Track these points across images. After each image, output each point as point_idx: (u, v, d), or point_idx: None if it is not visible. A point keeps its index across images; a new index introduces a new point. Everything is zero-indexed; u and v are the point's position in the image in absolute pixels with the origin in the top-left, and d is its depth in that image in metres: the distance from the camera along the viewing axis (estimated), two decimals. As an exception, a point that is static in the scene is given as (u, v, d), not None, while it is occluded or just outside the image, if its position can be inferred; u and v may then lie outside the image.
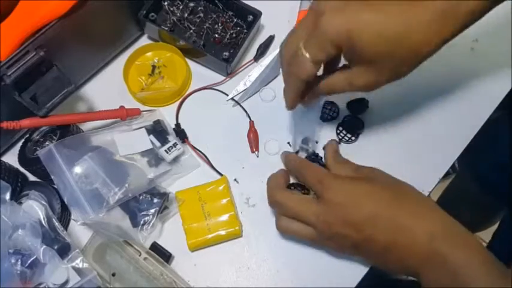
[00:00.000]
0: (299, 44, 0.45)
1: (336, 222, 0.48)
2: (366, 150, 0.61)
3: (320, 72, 0.49)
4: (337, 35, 0.42)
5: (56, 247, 0.50)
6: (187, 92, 0.64)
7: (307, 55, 0.44)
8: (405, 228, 0.46)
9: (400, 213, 0.47)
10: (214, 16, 0.65)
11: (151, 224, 0.55)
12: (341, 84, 0.48)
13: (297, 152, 0.61)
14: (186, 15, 0.65)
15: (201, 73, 0.66)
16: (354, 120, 0.62)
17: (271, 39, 0.67)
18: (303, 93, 0.50)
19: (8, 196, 0.50)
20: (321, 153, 0.61)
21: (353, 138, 0.61)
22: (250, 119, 0.63)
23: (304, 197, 0.52)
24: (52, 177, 0.53)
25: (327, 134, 0.62)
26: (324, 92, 0.51)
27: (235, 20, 0.65)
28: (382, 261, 0.49)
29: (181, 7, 0.65)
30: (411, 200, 0.49)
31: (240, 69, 0.66)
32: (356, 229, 0.47)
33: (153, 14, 0.64)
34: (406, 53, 0.43)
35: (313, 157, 0.60)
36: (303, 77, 0.46)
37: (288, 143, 0.62)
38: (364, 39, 0.42)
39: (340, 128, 0.62)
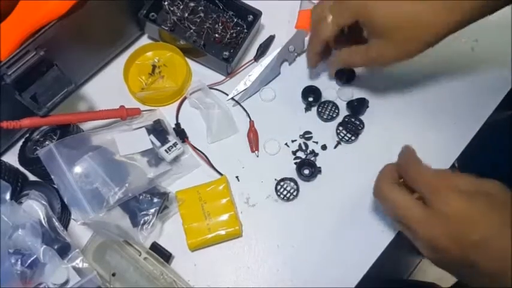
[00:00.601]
0: (325, 9, 0.54)
1: (441, 237, 0.43)
2: (366, 150, 0.61)
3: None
4: (356, 6, 0.51)
5: (56, 247, 0.50)
6: (187, 92, 0.64)
7: (330, 18, 0.53)
8: None
9: None
10: (215, 16, 0.65)
11: (151, 223, 0.55)
12: (357, 55, 0.55)
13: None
14: (186, 15, 0.65)
15: (201, 73, 0.66)
16: (354, 120, 0.62)
17: (271, 39, 0.67)
18: (321, 54, 0.59)
19: (8, 196, 0.50)
20: (321, 153, 0.61)
21: (353, 138, 0.61)
22: (250, 118, 0.63)
23: (412, 200, 0.46)
24: (52, 177, 0.53)
25: (327, 134, 0.62)
26: (342, 60, 0.58)
27: (235, 20, 0.65)
28: (475, 282, 0.45)
29: (181, 7, 0.65)
30: None
31: (240, 69, 0.66)
32: (463, 251, 0.43)
33: (153, 13, 0.64)
34: (414, 30, 0.49)
35: (309, 154, 0.60)
36: (323, 37, 0.55)
37: (286, 144, 0.62)
38: (378, 13, 0.49)
39: (340, 128, 0.62)
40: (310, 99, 0.63)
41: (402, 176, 0.49)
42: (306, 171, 0.60)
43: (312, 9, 0.57)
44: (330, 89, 0.64)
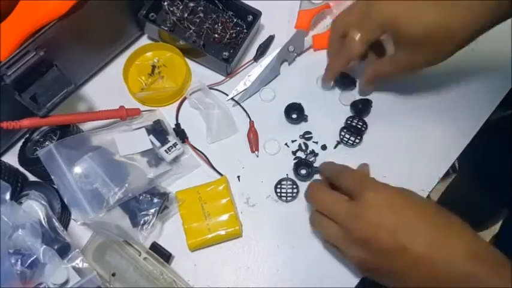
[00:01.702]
0: (349, 26, 0.54)
1: (368, 226, 0.45)
2: (368, 150, 0.61)
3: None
4: (385, 19, 0.51)
5: (56, 247, 0.50)
6: (187, 92, 0.64)
7: (358, 36, 0.53)
8: (442, 244, 0.43)
9: (437, 228, 0.44)
10: (214, 16, 0.65)
11: (151, 224, 0.55)
12: (388, 66, 0.56)
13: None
14: (186, 15, 0.65)
15: (201, 73, 0.66)
16: (357, 122, 0.62)
17: (271, 39, 0.67)
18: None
19: (8, 196, 0.50)
20: (321, 153, 0.61)
21: (357, 141, 0.61)
22: (250, 119, 0.63)
23: (341, 196, 0.49)
24: (52, 177, 0.53)
25: (327, 134, 0.62)
26: (376, 73, 0.58)
27: (235, 20, 0.65)
28: (405, 278, 0.44)
29: (181, 7, 0.65)
30: (445, 217, 0.45)
31: (240, 69, 0.66)
32: (390, 234, 0.43)
33: (153, 14, 0.64)
34: (444, 37, 0.49)
35: (309, 155, 0.60)
36: (352, 56, 0.55)
37: (286, 144, 0.62)
38: (407, 23, 0.49)
39: (343, 133, 0.61)
40: (294, 116, 0.62)
41: (334, 182, 0.51)
42: (303, 171, 0.60)
43: (330, 26, 0.58)
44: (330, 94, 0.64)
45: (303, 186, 0.59)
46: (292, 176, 0.60)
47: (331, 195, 0.49)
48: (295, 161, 0.60)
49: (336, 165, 0.53)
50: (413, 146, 0.61)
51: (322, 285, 0.55)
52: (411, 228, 0.44)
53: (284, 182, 0.59)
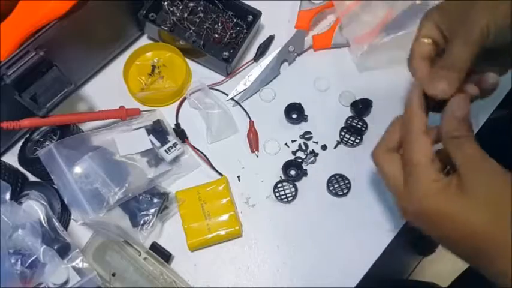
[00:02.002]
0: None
1: (410, 214, 0.42)
2: (368, 150, 0.61)
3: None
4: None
5: (56, 247, 0.50)
6: (187, 92, 0.64)
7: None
8: None
9: None
10: (214, 16, 0.65)
11: (151, 224, 0.55)
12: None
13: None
14: (186, 15, 0.65)
15: (200, 73, 0.66)
16: (357, 123, 0.62)
17: (271, 39, 0.67)
18: None
19: (8, 196, 0.50)
20: (321, 153, 0.61)
21: (357, 141, 0.61)
22: (250, 119, 0.63)
23: (397, 172, 0.43)
24: (52, 177, 0.53)
25: (327, 134, 0.62)
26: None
27: (235, 20, 0.65)
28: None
29: (181, 7, 0.65)
30: None
31: (240, 69, 0.66)
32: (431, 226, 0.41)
33: (153, 14, 0.64)
34: None
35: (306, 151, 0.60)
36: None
37: (286, 144, 0.62)
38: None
39: (343, 133, 0.61)
40: (294, 116, 0.62)
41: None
42: (292, 172, 0.60)
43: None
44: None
45: (302, 186, 0.59)
46: (283, 177, 0.60)
47: (391, 169, 0.44)
48: (284, 162, 0.60)
49: (411, 134, 0.43)
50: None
51: (322, 285, 0.55)
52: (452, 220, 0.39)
53: (280, 184, 0.59)
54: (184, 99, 0.64)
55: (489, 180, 0.39)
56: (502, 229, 0.37)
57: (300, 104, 0.62)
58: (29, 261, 0.49)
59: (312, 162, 0.60)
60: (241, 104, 0.64)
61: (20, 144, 0.60)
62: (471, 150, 0.40)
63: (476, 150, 0.40)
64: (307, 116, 0.62)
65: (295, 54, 0.66)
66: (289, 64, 0.66)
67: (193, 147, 0.61)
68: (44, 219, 0.51)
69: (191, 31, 0.64)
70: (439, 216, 0.39)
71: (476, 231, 0.37)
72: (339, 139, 0.62)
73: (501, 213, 0.37)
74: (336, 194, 0.59)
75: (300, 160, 0.60)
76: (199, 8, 0.65)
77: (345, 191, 0.58)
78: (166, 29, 0.64)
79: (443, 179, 0.40)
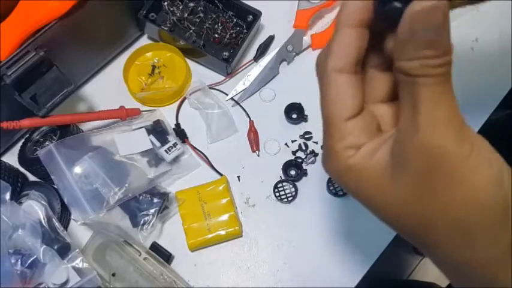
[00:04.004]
0: None
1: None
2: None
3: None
4: None
5: (56, 247, 0.50)
6: (187, 92, 0.64)
7: None
8: None
9: None
10: (214, 16, 0.65)
11: (151, 224, 0.55)
12: None
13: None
14: (186, 15, 0.65)
15: (201, 73, 0.66)
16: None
17: (271, 39, 0.67)
18: None
19: (8, 196, 0.50)
20: (321, 153, 0.61)
21: None
22: (250, 118, 0.63)
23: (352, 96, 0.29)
24: (52, 177, 0.53)
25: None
26: None
27: (235, 20, 0.65)
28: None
29: (181, 7, 0.65)
30: None
31: (240, 69, 0.66)
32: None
33: (153, 14, 0.64)
34: None
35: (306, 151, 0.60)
36: None
37: (286, 144, 0.62)
38: None
39: None
40: (294, 116, 0.62)
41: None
42: (292, 172, 0.60)
43: None
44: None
45: (302, 186, 0.59)
46: (283, 177, 0.60)
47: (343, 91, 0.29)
48: (284, 162, 0.60)
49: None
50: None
51: (322, 285, 0.55)
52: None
53: (280, 184, 0.59)
54: (184, 99, 0.64)
55: (440, 170, 0.25)
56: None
57: (300, 104, 0.62)
58: (29, 261, 0.49)
59: (312, 162, 0.60)
60: (241, 104, 0.64)
61: (20, 144, 0.60)
62: (429, 103, 0.24)
63: (438, 106, 0.24)
64: (307, 116, 0.62)
65: (294, 53, 0.66)
66: (288, 64, 0.66)
67: (193, 147, 0.61)
68: (44, 219, 0.51)
69: (191, 31, 0.64)
70: (360, 198, 0.29)
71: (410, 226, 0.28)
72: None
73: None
74: (336, 194, 0.59)
75: (300, 160, 0.60)
76: (199, 8, 0.65)
77: (345, 191, 0.58)
78: (166, 29, 0.64)
79: (361, 149, 0.28)
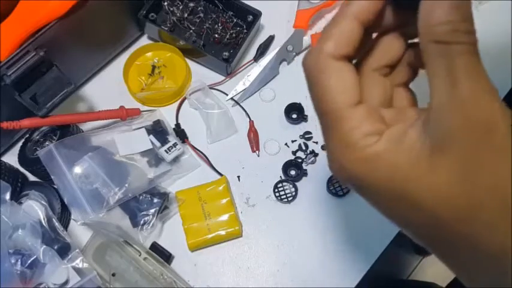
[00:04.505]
0: None
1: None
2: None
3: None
4: None
5: (56, 247, 0.50)
6: (187, 92, 0.64)
7: None
8: None
9: None
10: (214, 16, 0.65)
11: (151, 224, 0.55)
12: None
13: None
14: (186, 15, 0.65)
15: (200, 73, 0.66)
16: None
17: (271, 39, 0.67)
18: None
19: (8, 196, 0.50)
20: (321, 153, 0.61)
21: None
22: (250, 118, 0.63)
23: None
24: (52, 177, 0.53)
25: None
26: None
27: (235, 20, 0.65)
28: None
29: (181, 7, 0.65)
30: None
31: (240, 69, 0.66)
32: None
33: (153, 14, 0.64)
34: None
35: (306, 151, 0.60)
36: None
37: (286, 144, 0.62)
38: None
39: None
40: (294, 116, 0.62)
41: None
42: (292, 172, 0.60)
43: None
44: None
45: (302, 186, 0.59)
46: (283, 177, 0.60)
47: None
48: (284, 162, 0.60)
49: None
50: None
51: (322, 285, 0.55)
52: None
53: (280, 184, 0.59)
54: (184, 99, 0.64)
55: (493, 141, 0.23)
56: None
57: (300, 104, 0.62)
58: (29, 261, 0.49)
59: (312, 162, 0.60)
60: (241, 104, 0.64)
61: (20, 144, 0.60)
62: (471, 71, 0.23)
63: (479, 74, 0.23)
64: (307, 116, 0.62)
65: (294, 53, 0.66)
66: (288, 63, 0.66)
67: (193, 147, 0.61)
68: (44, 219, 0.51)
69: (191, 31, 0.64)
70: (378, 198, 0.26)
71: (447, 222, 0.24)
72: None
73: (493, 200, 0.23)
74: (336, 194, 0.59)
75: (300, 160, 0.60)
76: (199, 8, 0.65)
77: (345, 191, 0.58)
78: (166, 29, 0.64)
79: (385, 134, 0.25)
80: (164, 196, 0.56)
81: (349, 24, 0.26)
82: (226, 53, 0.63)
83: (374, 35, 0.29)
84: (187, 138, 0.62)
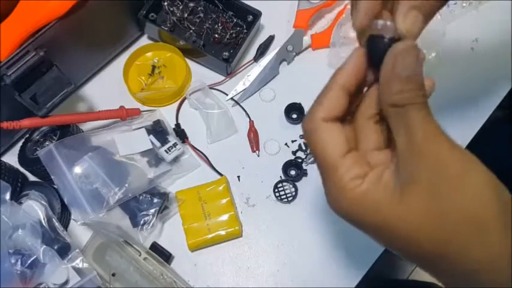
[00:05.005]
0: None
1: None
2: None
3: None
4: None
5: (56, 247, 0.50)
6: (187, 92, 0.64)
7: None
8: None
9: None
10: (214, 16, 0.65)
11: (151, 224, 0.55)
12: None
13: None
14: (186, 15, 0.65)
15: (201, 73, 0.66)
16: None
17: (271, 39, 0.67)
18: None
19: (8, 196, 0.50)
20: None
21: None
22: (250, 118, 0.63)
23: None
24: (52, 177, 0.53)
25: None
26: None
27: (235, 20, 0.65)
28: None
29: (181, 7, 0.65)
30: None
31: (240, 69, 0.66)
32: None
33: (153, 14, 0.64)
34: None
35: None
36: None
37: (286, 144, 0.62)
38: None
39: None
40: (294, 116, 0.62)
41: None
42: (292, 172, 0.60)
43: None
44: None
45: (302, 186, 0.59)
46: (283, 177, 0.60)
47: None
48: (284, 162, 0.60)
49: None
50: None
51: (322, 285, 0.55)
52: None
53: (280, 184, 0.59)
54: (184, 99, 0.64)
55: (444, 173, 0.27)
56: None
57: (300, 104, 0.62)
58: (29, 261, 0.49)
59: (312, 162, 0.60)
60: (241, 104, 0.64)
61: (20, 144, 0.60)
62: (420, 123, 0.28)
63: (428, 123, 0.28)
64: None
65: (294, 53, 0.66)
66: (288, 63, 0.66)
67: (193, 147, 0.61)
68: (44, 219, 0.51)
69: (191, 31, 0.64)
70: (368, 228, 0.32)
71: (427, 251, 0.29)
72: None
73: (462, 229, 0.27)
74: (336, 194, 0.58)
75: (300, 160, 0.60)
76: (199, 8, 0.65)
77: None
78: (166, 29, 0.64)
79: (367, 176, 0.30)
80: (164, 196, 0.56)
81: (335, 93, 0.32)
82: (226, 53, 0.63)
83: (365, 89, 0.34)
84: (187, 138, 0.62)
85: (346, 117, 0.34)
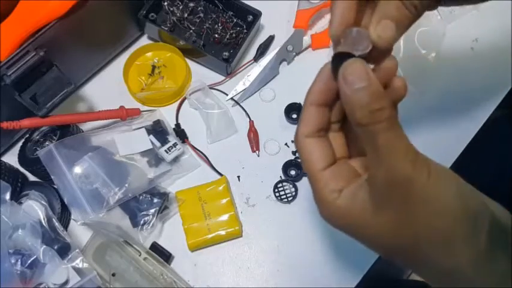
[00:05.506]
0: None
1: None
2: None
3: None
4: None
5: (56, 247, 0.50)
6: (187, 92, 0.64)
7: None
8: None
9: None
10: (214, 16, 0.65)
11: (151, 224, 0.55)
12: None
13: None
14: (186, 15, 0.65)
15: (201, 73, 0.66)
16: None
17: (271, 39, 0.67)
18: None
19: (8, 196, 0.50)
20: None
21: None
22: (250, 118, 0.63)
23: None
24: (52, 177, 0.53)
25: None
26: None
27: (235, 20, 0.65)
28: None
29: (181, 7, 0.65)
30: None
31: (240, 69, 0.66)
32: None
33: (153, 14, 0.64)
34: None
35: None
36: None
37: (286, 144, 0.62)
38: None
39: None
40: (294, 116, 0.62)
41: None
42: (292, 172, 0.60)
43: None
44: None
45: (302, 186, 0.59)
46: (283, 177, 0.60)
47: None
48: (284, 162, 0.60)
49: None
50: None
51: (322, 285, 0.55)
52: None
53: (280, 184, 0.59)
54: (184, 99, 0.64)
55: (410, 196, 0.29)
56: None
57: (300, 104, 0.62)
58: (29, 261, 0.49)
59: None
60: (241, 104, 0.64)
61: (20, 144, 0.60)
62: (387, 141, 0.29)
63: (395, 141, 0.29)
64: None
65: (294, 53, 0.66)
66: (288, 63, 0.66)
67: (193, 147, 0.61)
68: (44, 219, 0.51)
69: (191, 31, 0.64)
70: (354, 233, 0.35)
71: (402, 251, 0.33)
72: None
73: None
74: (336, 194, 0.58)
75: (299, 160, 0.60)
76: (199, 8, 0.65)
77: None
78: (166, 29, 0.64)
79: (343, 192, 0.33)
80: (164, 196, 0.56)
81: (308, 111, 0.35)
82: (226, 53, 0.63)
83: None
84: (187, 138, 0.62)
85: (338, 123, 0.37)
